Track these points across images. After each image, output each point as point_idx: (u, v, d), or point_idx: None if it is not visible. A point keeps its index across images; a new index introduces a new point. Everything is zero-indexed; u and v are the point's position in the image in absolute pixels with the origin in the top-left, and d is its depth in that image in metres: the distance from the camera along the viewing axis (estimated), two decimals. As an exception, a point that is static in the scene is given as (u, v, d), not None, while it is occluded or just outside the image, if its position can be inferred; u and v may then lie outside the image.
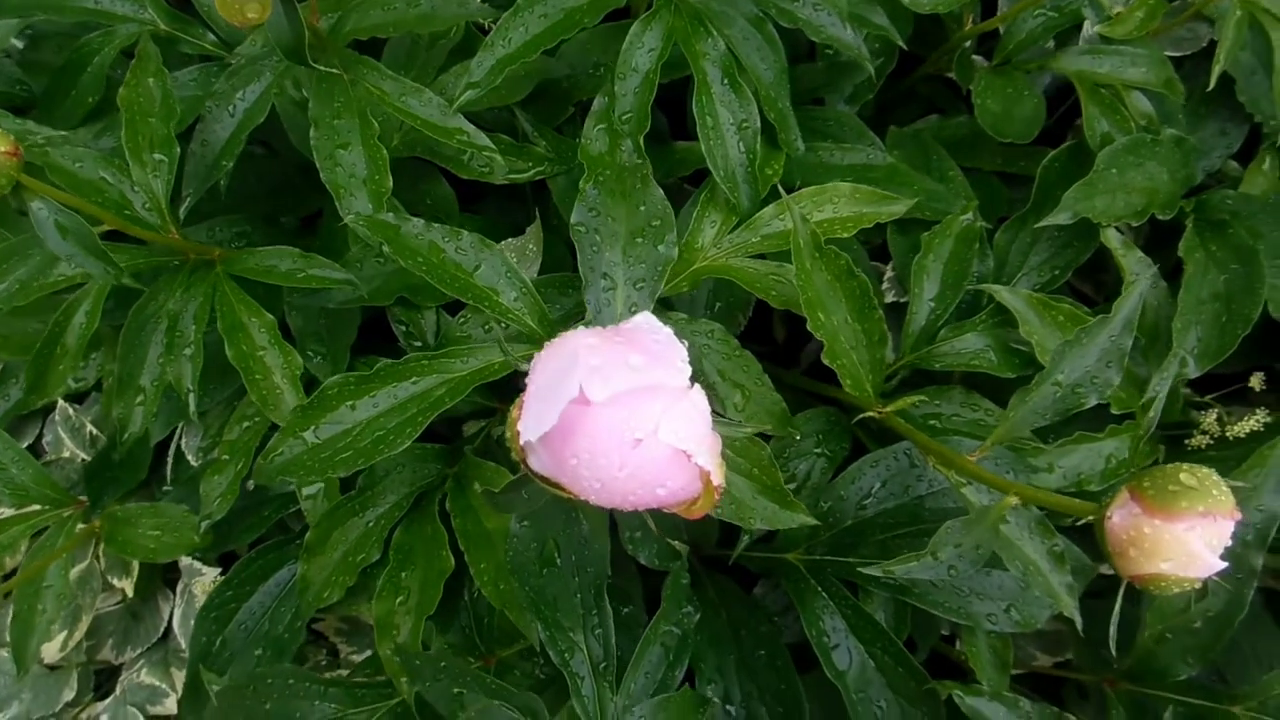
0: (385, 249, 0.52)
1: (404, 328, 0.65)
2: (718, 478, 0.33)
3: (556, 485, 0.34)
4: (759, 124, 0.57)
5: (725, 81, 0.56)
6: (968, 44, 0.72)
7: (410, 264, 0.52)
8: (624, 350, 0.32)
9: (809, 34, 0.62)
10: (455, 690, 0.43)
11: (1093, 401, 0.49)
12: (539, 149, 0.65)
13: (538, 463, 0.34)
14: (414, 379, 0.50)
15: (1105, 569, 0.72)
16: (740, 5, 0.59)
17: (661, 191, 0.41)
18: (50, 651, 0.69)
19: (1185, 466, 0.37)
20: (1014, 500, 0.45)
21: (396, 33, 0.62)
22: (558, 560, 0.48)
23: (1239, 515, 0.36)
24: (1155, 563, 0.36)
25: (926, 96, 0.79)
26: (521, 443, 0.33)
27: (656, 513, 0.54)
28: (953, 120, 0.75)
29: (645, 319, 0.34)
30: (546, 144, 0.65)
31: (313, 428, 0.50)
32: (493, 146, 0.58)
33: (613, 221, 0.40)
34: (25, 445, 0.76)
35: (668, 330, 0.34)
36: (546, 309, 0.52)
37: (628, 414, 0.31)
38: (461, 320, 0.63)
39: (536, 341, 0.53)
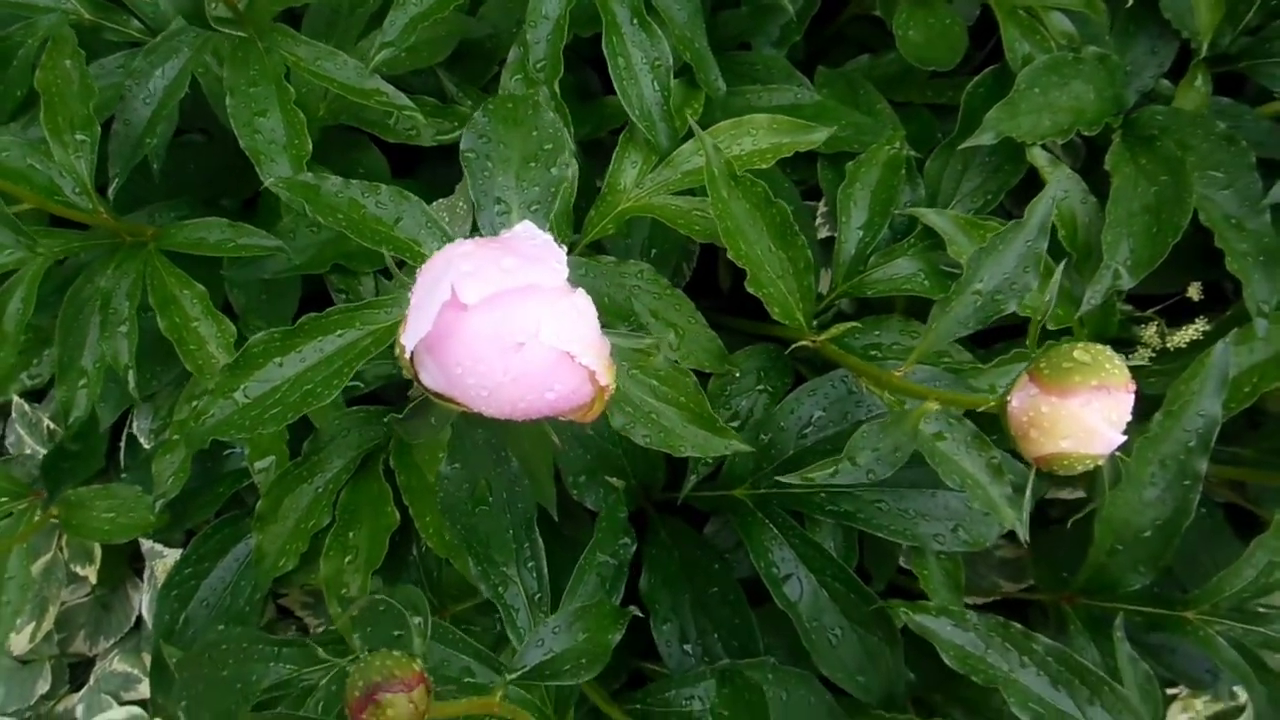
0: (307, 209, 0.53)
1: (343, 295, 0.65)
2: (605, 378, 0.33)
3: (450, 400, 0.35)
4: (671, 62, 0.57)
5: (635, 21, 0.57)
6: (891, -20, 0.72)
7: (331, 221, 0.52)
8: (498, 254, 0.32)
9: (725, -25, 0.62)
10: (395, 633, 0.43)
11: (1012, 307, 0.49)
12: (464, 109, 0.65)
13: (429, 378, 0.34)
14: (339, 331, 0.50)
15: (1062, 493, 0.73)
16: (649, -52, 0.59)
17: (554, 116, 0.41)
18: (19, 644, 0.69)
19: (1080, 344, 0.37)
20: (933, 405, 0.46)
21: (315, 0, 0.62)
22: (489, 499, 0.48)
23: (1133, 387, 0.36)
24: (1055, 441, 0.37)
25: (856, 38, 0.79)
26: (407, 355, 0.33)
27: (566, 431, 0.55)
28: (883, 59, 0.75)
29: (524, 227, 0.34)
30: (472, 103, 0.65)
31: (242, 387, 0.50)
32: (412, 106, 0.58)
33: (504, 147, 0.40)
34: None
35: (546, 235, 0.34)
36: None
37: (506, 316, 0.32)
38: (398, 284, 0.63)
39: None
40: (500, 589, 0.45)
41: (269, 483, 0.61)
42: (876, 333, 0.61)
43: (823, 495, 0.57)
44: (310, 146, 0.56)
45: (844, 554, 0.58)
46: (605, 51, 0.56)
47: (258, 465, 0.64)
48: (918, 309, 0.65)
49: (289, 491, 0.60)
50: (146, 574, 0.72)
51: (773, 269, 0.54)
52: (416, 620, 0.34)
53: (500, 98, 0.42)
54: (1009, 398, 0.38)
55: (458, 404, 0.34)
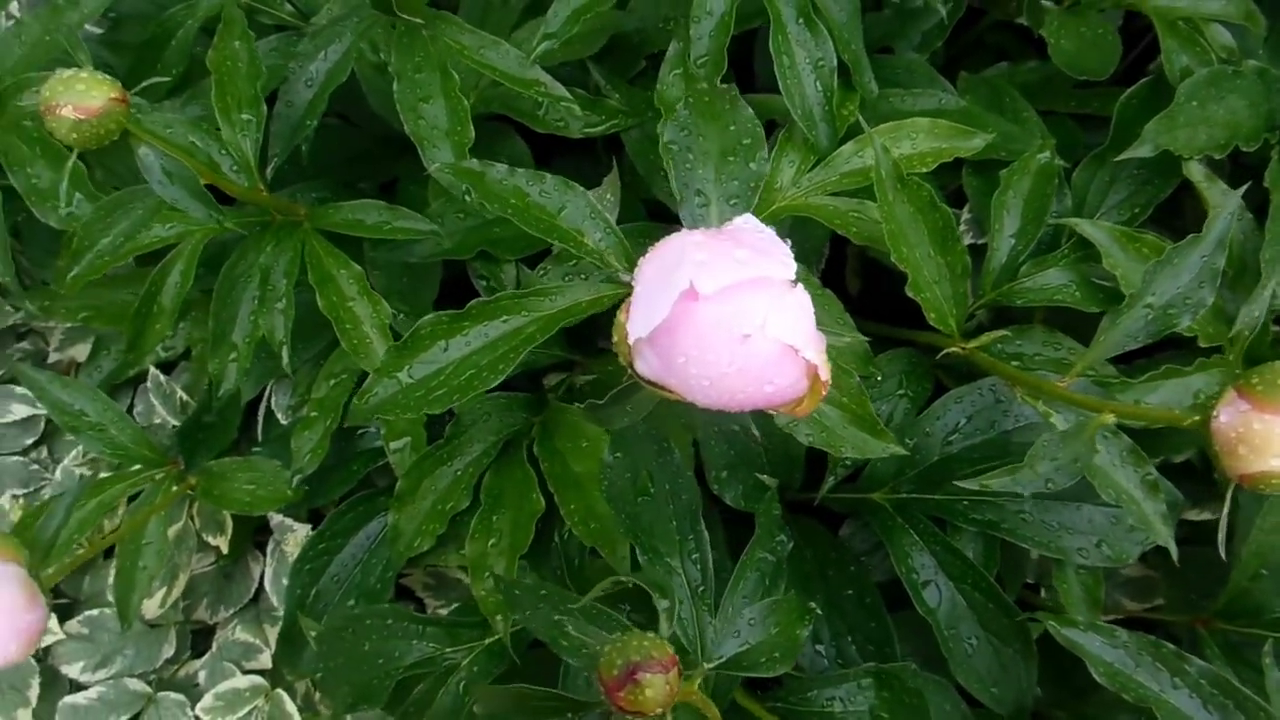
0: (471, 195, 0.53)
1: (485, 282, 0.66)
2: (825, 373, 0.33)
3: (664, 389, 0.35)
4: (835, 62, 0.57)
5: (800, 20, 0.57)
6: (1037, -13, 0.71)
7: (496, 208, 0.53)
8: (730, 246, 0.33)
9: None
10: (556, 617, 0.44)
11: (1186, 322, 0.48)
12: (613, 102, 0.65)
13: (645, 366, 0.34)
14: (504, 317, 0.51)
15: (1192, 515, 0.72)
16: (813, -52, 0.59)
17: (751, 111, 0.41)
18: (150, 608, 0.71)
19: (1296, 362, 0.36)
20: (1110, 417, 0.45)
21: (471, -9, 0.63)
22: (651, 489, 0.48)
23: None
24: (1266, 459, 0.36)
25: (994, 45, 0.78)
26: (631, 342, 0.34)
27: (713, 426, 0.55)
28: (1022, 66, 0.74)
29: (748, 220, 0.34)
30: (620, 97, 0.66)
31: (406, 368, 0.51)
32: (570, 97, 0.58)
33: (704, 140, 0.41)
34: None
35: (770, 230, 0.34)
36: (631, 249, 0.53)
37: (736, 309, 0.32)
38: (541, 272, 0.64)
39: (621, 283, 0.53)
40: (665, 579, 0.46)
41: (409, 464, 0.62)
42: (1019, 342, 0.61)
43: (965, 503, 0.57)
44: (473, 134, 0.57)
45: (984, 563, 0.57)
46: (771, 49, 0.56)
47: (393, 446, 0.65)
48: (1055, 320, 0.64)
49: (428, 473, 0.61)
50: (270, 547, 0.73)
51: (930, 274, 0.54)
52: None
53: (698, 91, 0.43)
54: (1215, 413, 0.38)
55: (671, 393, 0.35)
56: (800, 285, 0.33)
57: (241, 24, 0.60)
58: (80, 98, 0.43)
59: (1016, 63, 0.75)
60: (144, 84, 0.49)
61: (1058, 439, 0.43)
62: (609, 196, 0.63)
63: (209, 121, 0.66)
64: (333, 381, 0.67)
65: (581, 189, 0.53)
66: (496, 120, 0.68)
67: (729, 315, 0.32)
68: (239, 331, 0.62)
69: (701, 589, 0.46)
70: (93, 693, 0.70)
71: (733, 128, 0.41)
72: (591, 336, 0.72)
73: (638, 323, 0.33)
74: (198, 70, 0.72)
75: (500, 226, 0.65)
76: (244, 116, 0.59)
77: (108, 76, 0.44)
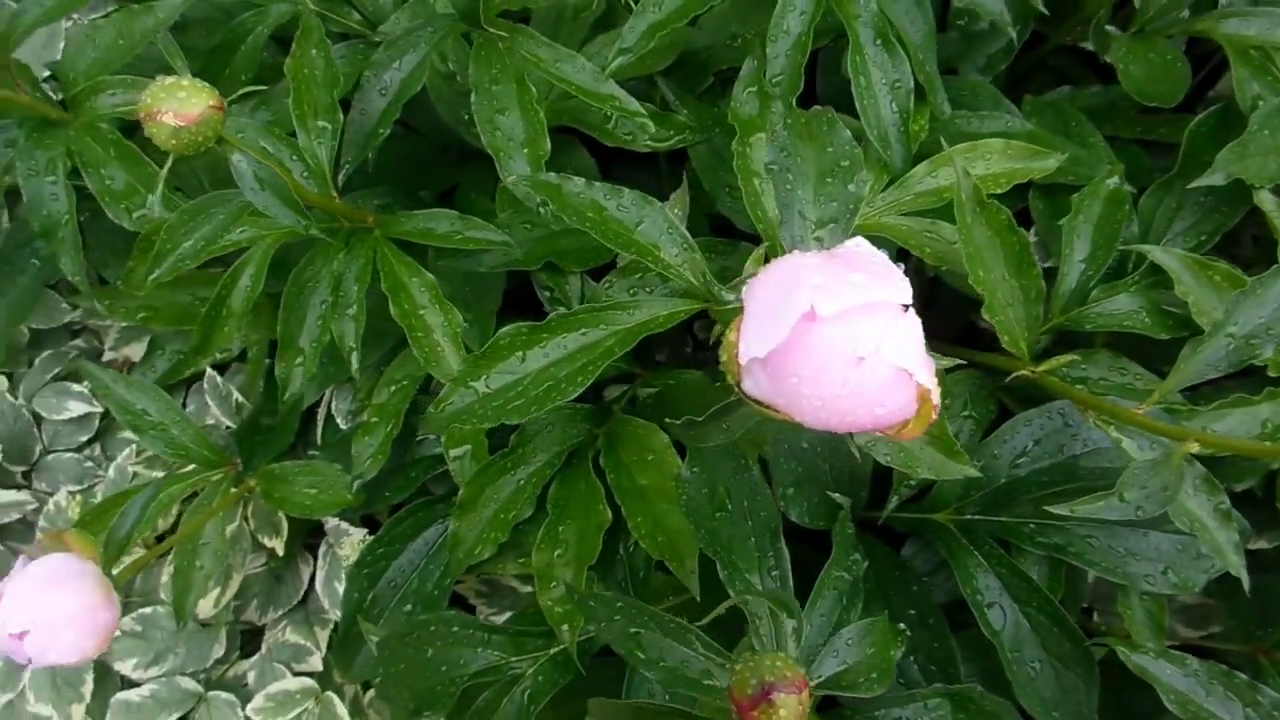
0: (547, 208, 0.54)
1: (549, 293, 0.66)
2: (937, 397, 0.33)
3: (771, 409, 0.35)
4: (911, 84, 0.57)
5: (878, 42, 0.57)
6: (1102, 12, 0.71)
7: (574, 221, 0.53)
8: (845, 269, 0.33)
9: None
10: (633, 630, 0.44)
11: (1268, 353, 0.48)
12: (681, 117, 0.66)
13: (754, 386, 0.35)
14: (582, 330, 0.51)
15: (1256, 544, 0.71)
16: (890, -32, 0.59)
17: (848, 133, 0.41)
18: (204, 608, 0.71)
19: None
20: (1194, 445, 0.45)
21: (547, 3, 0.64)
22: (728, 505, 0.48)
23: None
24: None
25: (1057, 68, 0.78)
26: (743, 362, 0.34)
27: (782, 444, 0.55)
28: (1086, 91, 0.74)
29: (860, 243, 0.35)
30: (688, 112, 0.66)
31: (484, 377, 0.51)
32: (644, 112, 0.59)
33: (802, 161, 0.41)
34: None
35: (883, 254, 0.34)
36: (707, 265, 0.53)
37: (851, 332, 0.32)
38: (607, 285, 0.64)
39: (698, 297, 0.54)
40: (742, 593, 0.46)
41: (471, 472, 0.62)
42: (1085, 367, 0.61)
43: (1032, 526, 0.57)
44: (548, 146, 0.57)
45: (1048, 586, 0.57)
46: (849, 70, 0.56)
47: (453, 454, 0.65)
48: (1117, 344, 0.64)
49: (491, 481, 0.61)
50: (322, 549, 0.74)
51: (1004, 296, 0.54)
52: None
53: (795, 112, 0.43)
54: (1316, 446, 0.38)
55: (778, 413, 0.35)
56: (911, 310, 0.33)
57: (319, 32, 0.61)
58: (181, 105, 0.43)
59: (1079, 87, 0.75)
60: (238, 93, 0.49)
61: (1148, 467, 0.43)
62: (677, 210, 0.64)
63: (279, 126, 0.67)
64: (394, 388, 0.67)
65: (658, 204, 0.54)
66: (563, 132, 0.68)
67: (844, 338, 0.32)
68: (306, 336, 0.63)
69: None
70: (145, 690, 0.70)
71: (830, 149, 0.41)
72: (650, 349, 0.73)
73: (753, 343, 0.33)
74: (266, 76, 0.73)
75: (566, 238, 0.65)
76: (320, 123, 0.60)
77: (206, 84, 0.44)
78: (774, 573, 0.47)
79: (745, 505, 0.49)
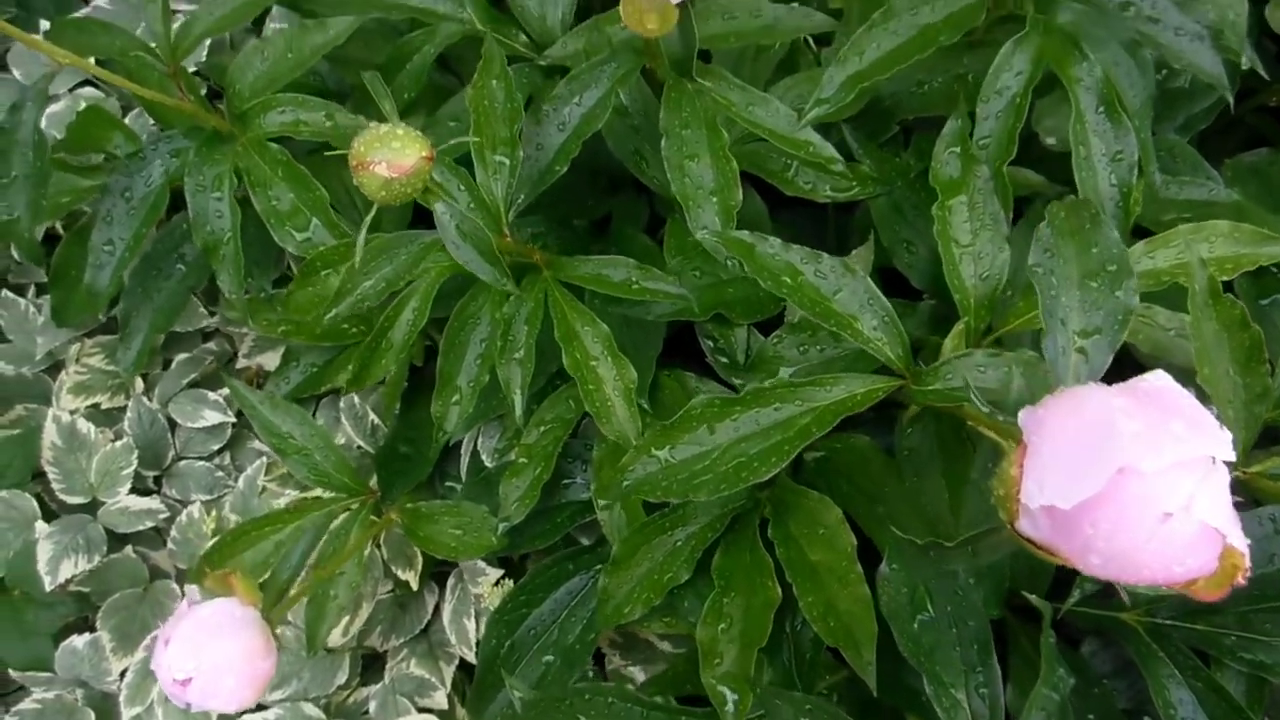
0: (744, 267, 0.51)
1: (712, 343, 0.64)
2: (1247, 561, 0.30)
3: (1045, 549, 0.32)
4: (1135, 156, 0.53)
5: (1100, 109, 0.53)
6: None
7: (768, 284, 0.51)
8: (1161, 415, 0.30)
9: (1170, 60, 0.58)
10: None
11: None
12: (864, 168, 0.62)
13: (1033, 527, 0.32)
14: (776, 404, 0.48)
15: None
16: (1114, 28, 0.55)
17: (1116, 234, 0.38)
18: (333, 636, 0.70)
19: None
20: None
21: (736, 44, 0.61)
22: (929, 608, 0.45)
23: None
24: None
25: (1252, 127, 0.73)
26: (1029, 505, 0.31)
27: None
28: (1288, 154, 0.70)
29: (1160, 376, 0.31)
30: (871, 163, 0.63)
31: (669, 447, 0.49)
32: (841, 160, 0.56)
33: (1064, 263, 0.38)
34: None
35: (1190, 393, 0.31)
36: (908, 339, 0.50)
37: (1165, 486, 0.29)
38: (775, 341, 0.62)
39: (895, 373, 0.51)
40: (951, 714, 0.43)
41: (622, 525, 0.60)
42: (1289, 466, 0.57)
43: (1234, 639, 0.53)
44: (740, 196, 0.54)
45: (1249, 705, 0.53)
46: (1070, 139, 0.52)
47: (601, 503, 0.63)
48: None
49: (646, 540, 0.59)
50: (451, 582, 0.72)
51: (1224, 392, 0.50)
52: None
53: (1054, 205, 0.40)
54: None
55: (1056, 556, 0.32)
56: (1220, 460, 0.30)
57: (501, 61, 0.58)
58: (395, 155, 0.41)
59: (1277, 149, 0.71)
60: (450, 143, 0.47)
61: None
62: (858, 269, 0.60)
63: (443, 154, 0.65)
64: (543, 428, 0.65)
65: (860, 272, 0.51)
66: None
67: (1154, 493, 0.29)
68: (464, 375, 0.61)
69: (988, 727, 0.43)
70: (271, 714, 0.69)
71: (1095, 249, 0.38)
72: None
73: (1049, 490, 0.30)
74: (424, 97, 0.71)
75: (735, 286, 0.63)
76: (498, 158, 0.57)
77: (419, 133, 0.42)
78: (983, 690, 0.44)
79: (949, 610, 0.46)
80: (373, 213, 0.43)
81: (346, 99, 0.77)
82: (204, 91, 0.82)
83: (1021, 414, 0.32)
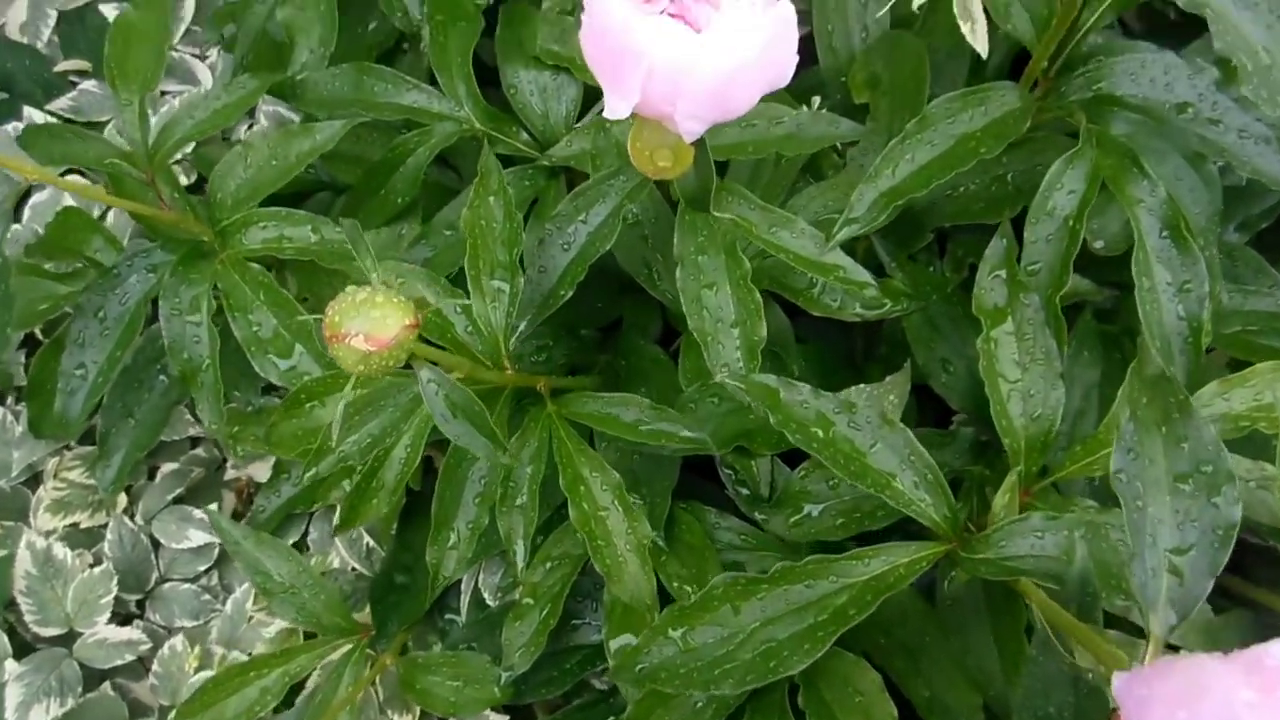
0: (770, 418, 0.46)
1: (732, 473, 0.58)
2: None
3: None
4: (1206, 288, 0.48)
5: (1165, 235, 0.48)
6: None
7: (796, 438, 0.45)
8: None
9: (1235, 168, 0.53)
10: None
11: None
12: (896, 282, 0.57)
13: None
14: (808, 581, 0.43)
15: None
16: (1174, 139, 0.50)
17: (1212, 430, 0.32)
18: (324, 784, 0.64)
19: None
20: None
21: (755, 154, 0.56)
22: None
23: None
24: None
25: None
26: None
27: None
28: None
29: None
30: (904, 277, 0.58)
31: (685, 629, 0.44)
32: (874, 284, 0.50)
33: (1150, 465, 0.32)
34: (290, 543, 0.72)
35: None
36: (953, 499, 0.45)
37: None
38: (802, 474, 0.56)
39: (941, 539, 0.45)
40: None
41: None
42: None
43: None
44: (765, 330, 0.49)
45: None
46: (1133, 270, 0.47)
47: (614, 645, 0.58)
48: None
49: (664, 702, 0.53)
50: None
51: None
52: None
53: (1133, 383, 0.34)
54: None
55: None
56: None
57: (499, 177, 0.54)
58: (375, 326, 0.36)
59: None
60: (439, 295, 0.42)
61: None
62: (892, 398, 0.55)
63: (439, 269, 0.61)
64: (549, 565, 0.60)
65: (900, 425, 0.45)
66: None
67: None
68: (462, 517, 0.56)
69: None
70: None
71: (1185, 445, 0.32)
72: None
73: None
74: (425, 198, 0.66)
75: (757, 414, 0.57)
76: (496, 284, 0.52)
77: (401, 298, 0.37)
78: None
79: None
80: (350, 385, 0.38)
81: (341, 193, 0.72)
82: (193, 178, 0.78)
83: (1117, 682, 0.26)
